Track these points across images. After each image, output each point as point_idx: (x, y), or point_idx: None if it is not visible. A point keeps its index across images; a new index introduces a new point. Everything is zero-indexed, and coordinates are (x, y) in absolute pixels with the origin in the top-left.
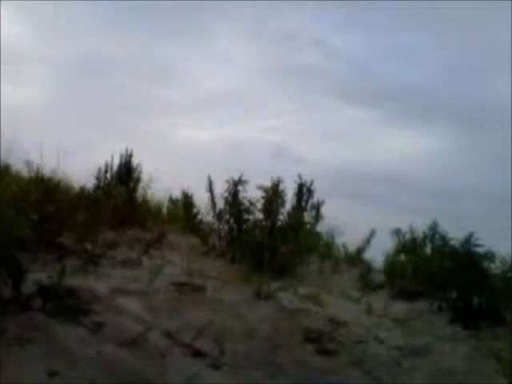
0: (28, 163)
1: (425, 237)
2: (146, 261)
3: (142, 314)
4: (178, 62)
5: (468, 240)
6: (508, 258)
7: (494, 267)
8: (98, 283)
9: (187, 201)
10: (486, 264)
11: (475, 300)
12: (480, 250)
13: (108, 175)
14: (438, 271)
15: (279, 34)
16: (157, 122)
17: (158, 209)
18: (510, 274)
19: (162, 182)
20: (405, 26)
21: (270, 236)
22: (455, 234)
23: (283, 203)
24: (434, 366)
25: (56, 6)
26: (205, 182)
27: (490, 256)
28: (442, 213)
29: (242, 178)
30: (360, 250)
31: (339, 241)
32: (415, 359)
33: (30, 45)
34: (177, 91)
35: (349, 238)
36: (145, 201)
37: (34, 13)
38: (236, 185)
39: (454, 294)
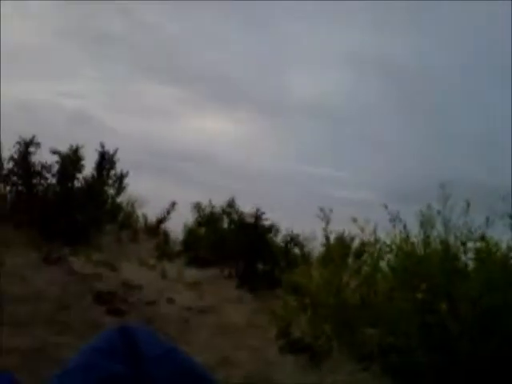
0: None
1: (223, 211)
2: None
3: None
4: None
5: (256, 215)
6: (289, 231)
7: (278, 239)
8: None
9: None
10: (270, 236)
11: (259, 267)
12: (266, 223)
13: None
14: (230, 242)
15: None
16: None
17: None
18: (289, 245)
19: None
20: (217, 12)
21: (64, 202)
22: (249, 209)
23: (80, 169)
24: (219, 322)
25: None
26: None
27: (274, 229)
28: (240, 191)
29: (34, 140)
30: (160, 221)
31: (140, 212)
32: (203, 317)
33: None
34: None
35: (150, 210)
36: None
37: None
38: (27, 146)
39: (241, 262)
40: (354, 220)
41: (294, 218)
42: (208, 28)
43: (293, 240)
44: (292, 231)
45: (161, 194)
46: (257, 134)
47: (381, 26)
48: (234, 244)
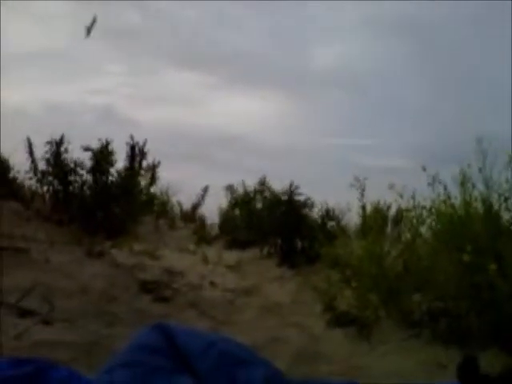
0: None
1: (255, 191)
2: None
3: None
4: None
5: (289, 191)
6: (324, 205)
7: (314, 213)
8: None
9: (3, 164)
10: (305, 210)
11: (298, 243)
12: (300, 198)
13: None
14: (266, 221)
15: None
16: None
17: None
18: (325, 219)
19: None
20: None
21: (100, 196)
22: (282, 188)
23: (113, 164)
24: (263, 301)
25: None
26: (23, 146)
27: (309, 203)
28: (271, 170)
29: (65, 139)
30: (195, 207)
31: (175, 199)
32: (247, 298)
33: None
34: None
35: (185, 197)
36: None
37: None
38: (58, 145)
39: (279, 240)
40: (391, 187)
41: (328, 191)
42: (221, 8)
43: (328, 213)
44: (327, 204)
45: (193, 180)
46: (282, 111)
47: None
48: (270, 222)
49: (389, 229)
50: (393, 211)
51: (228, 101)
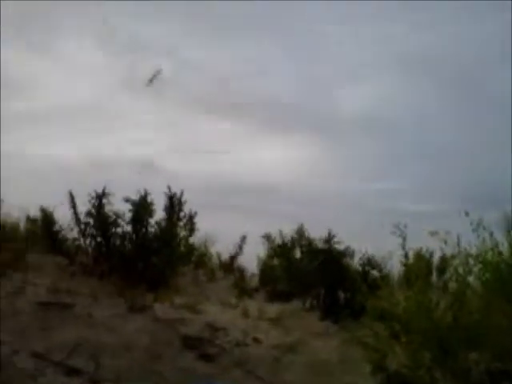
0: None
1: (293, 240)
2: (4, 284)
3: (4, 337)
4: (25, 73)
5: (328, 239)
6: (365, 254)
7: (354, 262)
8: None
9: (47, 218)
10: (345, 260)
11: (340, 295)
12: (339, 246)
13: None
14: (306, 271)
15: (129, 44)
16: (8, 139)
17: (14, 229)
18: (366, 268)
19: (17, 200)
20: (255, 40)
21: (140, 248)
22: (320, 235)
23: (152, 215)
24: (310, 359)
25: None
26: (66, 199)
27: (349, 252)
28: (307, 217)
29: (106, 191)
30: (233, 257)
31: (213, 250)
32: (292, 355)
33: None
34: (27, 104)
35: (222, 247)
36: None
37: None
38: (100, 198)
39: (321, 292)
40: (433, 233)
41: (367, 238)
42: (249, 56)
43: (370, 262)
44: (367, 253)
45: (230, 230)
46: (314, 157)
47: (422, 22)
48: (310, 273)
49: (434, 277)
50: (436, 258)
51: (262, 149)
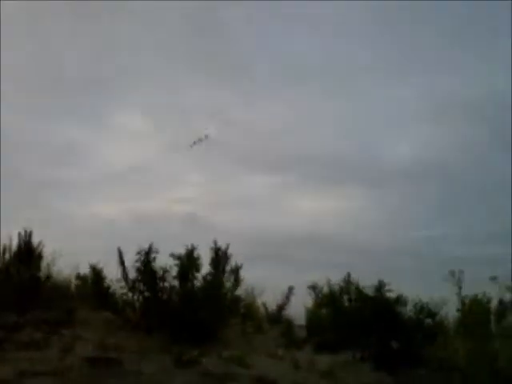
0: None
1: (341, 289)
2: (55, 340)
3: None
4: (77, 141)
5: (379, 287)
6: (418, 301)
7: (407, 310)
8: (2, 368)
9: (97, 275)
10: (398, 308)
11: (394, 344)
12: (391, 295)
13: (7, 256)
14: (356, 321)
15: (175, 107)
16: (61, 201)
17: (66, 286)
18: (420, 316)
19: (69, 259)
20: (301, 94)
21: (186, 302)
22: (368, 284)
23: (199, 269)
24: None
25: None
26: (115, 256)
27: (401, 300)
28: (355, 266)
29: (153, 247)
30: (280, 308)
31: (260, 301)
32: None
33: None
34: (79, 169)
35: (269, 298)
36: (49, 279)
37: None
38: (147, 254)
39: (373, 342)
40: (493, 278)
41: (419, 285)
42: (296, 110)
43: (424, 309)
44: (420, 300)
45: (277, 280)
46: (361, 207)
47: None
48: (360, 322)
49: (492, 325)
50: (494, 304)
51: (305, 200)
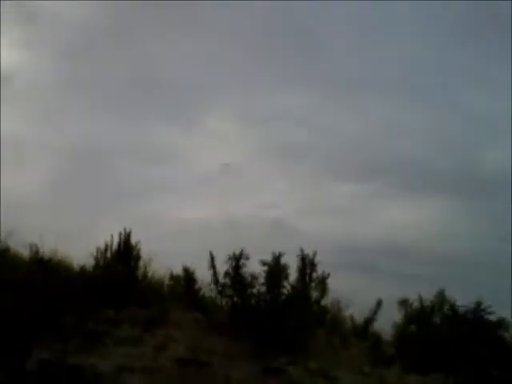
0: (28, 245)
1: (433, 306)
2: (149, 338)
3: None
4: (172, 146)
5: (478, 307)
6: None
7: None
8: (101, 361)
9: (189, 277)
10: (500, 332)
11: (493, 371)
12: (491, 317)
13: (108, 254)
14: (449, 341)
15: (266, 115)
16: (157, 203)
17: (160, 286)
18: None
19: (163, 259)
20: (388, 102)
21: (274, 310)
22: (462, 301)
23: (286, 277)
24: None
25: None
26: (205, 259)
27: (504, 324)
28: (447, 280)
29: (244, 253)
30: (368, 322)
31: (346, 313)
32: None
33: (30, 132)
34: (175, 172)
35: (356, 310)
36: (145, 278)
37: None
38: (238, 259)
39: (470, 366)
40: None
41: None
42: (382, 118)
43: None
44: None
45: (363, 293)
46: (450, 217)
47: None
48: (454, 344)
49: None
50: None
51: (393, 209)
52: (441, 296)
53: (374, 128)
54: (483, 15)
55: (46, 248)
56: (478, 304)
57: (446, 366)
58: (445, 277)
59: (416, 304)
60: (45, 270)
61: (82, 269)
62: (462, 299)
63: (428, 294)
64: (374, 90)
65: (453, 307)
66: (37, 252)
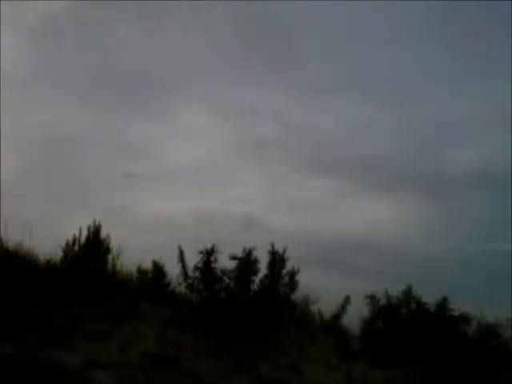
0: None
1: (399, 302)
2: (117, 332)
3: None
4: (143, 138)
5: (442, 304)
6: (482, 320)
7: (471, 330)
8: (68, 356)
9: (158, 271)
10: (462, 327)
11: (454, 364)
12: (454, 313)
13: (76, 247)
14: (414, 337)
15: (238, 108)
16: (125, 196)
17: (129, 280)
18: (484, 337)
19: (131, 253)
20: (359, 100)
21: (243, 305)
22: (430, 298)
23: (257, 273)
24: None
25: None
26: (175, 252)
27: (464, 319)
28: (414, 278)
29: (215, 248)
30: (336, 317)
31: (315, 308)
32: None
33: None
34: (143, 166)
35: (324, 305)
36: (114, 272)
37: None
38: (208, 254)
39: (431, 361)
40: None
41: (481, 302)
42: (354, 116)
43: (489, 330)
44: (485, 319)
45: (332, 288)
46: (421, 216)
47: None
48: (419, 339)
49: None
50: None
51: (363, 206)
52: (408, 293)
53: (347, 126)
54: (453, 15)
55: (11, 239)
56: (443, 300)
57: (411, 361)
58: (414, 274)
59: (383, 300)
60: (10, 263)
61: (49, 261)
62: (430, 296)
63: (396, 291)
64: (349, 90)
65: (418, 303)
66: (1, 243)
